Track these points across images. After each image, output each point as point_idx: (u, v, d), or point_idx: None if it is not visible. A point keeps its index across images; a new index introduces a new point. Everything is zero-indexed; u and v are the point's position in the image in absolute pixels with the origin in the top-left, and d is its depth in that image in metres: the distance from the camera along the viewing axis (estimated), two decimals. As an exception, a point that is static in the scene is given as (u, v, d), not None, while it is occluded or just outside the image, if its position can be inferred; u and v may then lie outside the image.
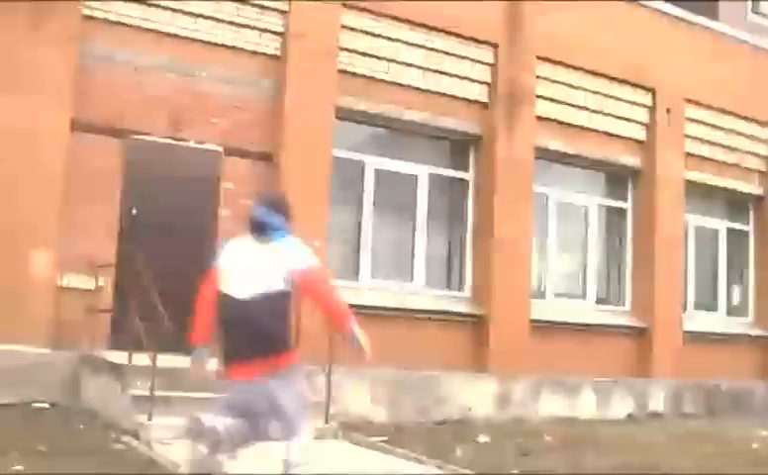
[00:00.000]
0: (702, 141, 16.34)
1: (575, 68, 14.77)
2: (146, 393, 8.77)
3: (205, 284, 6.31)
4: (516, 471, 8.88)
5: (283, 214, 6.17)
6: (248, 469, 6.61)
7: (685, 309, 16.06)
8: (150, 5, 11.61)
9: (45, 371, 10.36)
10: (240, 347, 5.92)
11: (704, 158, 16.44)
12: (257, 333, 5.87)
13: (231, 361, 6.04)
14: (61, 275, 10.78)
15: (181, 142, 11.80)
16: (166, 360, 9.15)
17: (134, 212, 11.41)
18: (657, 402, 14.97)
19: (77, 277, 10.87)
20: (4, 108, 10.51)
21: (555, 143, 14.66)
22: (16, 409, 9.88)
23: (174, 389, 9.21)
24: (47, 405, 10.20)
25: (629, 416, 14.42)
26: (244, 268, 6.02)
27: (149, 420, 8.65)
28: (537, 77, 14.39)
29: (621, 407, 14.48)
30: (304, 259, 6.05)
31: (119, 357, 9.66)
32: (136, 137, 11.51)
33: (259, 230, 6.10)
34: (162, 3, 11.66)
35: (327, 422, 9.73)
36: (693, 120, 16.11)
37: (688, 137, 16.07)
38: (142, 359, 9.11)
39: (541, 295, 14.68)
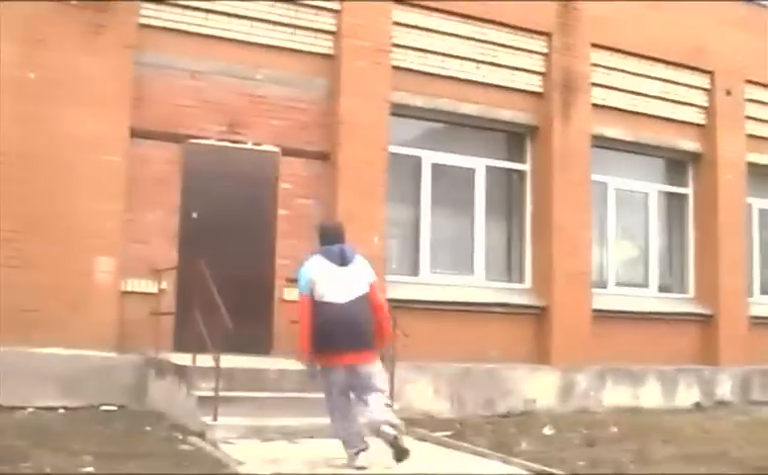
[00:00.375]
0: (763, 121, 16.02)
1: (630, 54, 14.59)
2: (211, 394, 8.83)
3: (307, 307, 7.74)
4: (582, 462, 8.80)
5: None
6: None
7: (751, 294, 15.77)
8: (206, 11, 11.75)
9: (111, 374, 10.57)
10: (350, 339, 7.58)
11: (765, 140, 16.12)
12: (363, 328, 7.71)
13: (338, 351, 7.59)
14: (125, 280, 10.97)
15: (238, 145, 11.91)
16: (229, 360, 9.26)
17: (194, 215, 11.54)
18: (724, 390, 14.76)
19: (140, 281, 11.08)
20: (66, 118, 10.73)
21: (612, 131, 14.51)
22: (85, 411, 10.11)
23: (238, 389, 9.33)
24: (114, 407, 10.41)
25: (696, 404, 14.23)
26: (341, 281, 7.73)
27: (215, 420, 8.72)
28: (592, 65, 14.26)
29: (687, 395, 14.31)
30: (372, 274, 8.00)
31: (183, 359, 9.77)
32: (194, 141, 11.65)
33: (344, 257, 7.85)
34: (217, 8, 11.80)
35: (391, 418, 9.72)
36: (753, 100, 15.81)
37: (749, 118, 15.77)
38: (205, 361, 9.20)
39: (603, 284, 14.54)
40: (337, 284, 7.71)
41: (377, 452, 7.82)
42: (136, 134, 11.17)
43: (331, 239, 8.01)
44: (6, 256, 10.31)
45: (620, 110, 14.62)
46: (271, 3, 12.09)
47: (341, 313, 7.63)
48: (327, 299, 7.67)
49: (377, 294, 7.94)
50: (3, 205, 10.33)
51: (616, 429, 11.17)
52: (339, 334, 7.57)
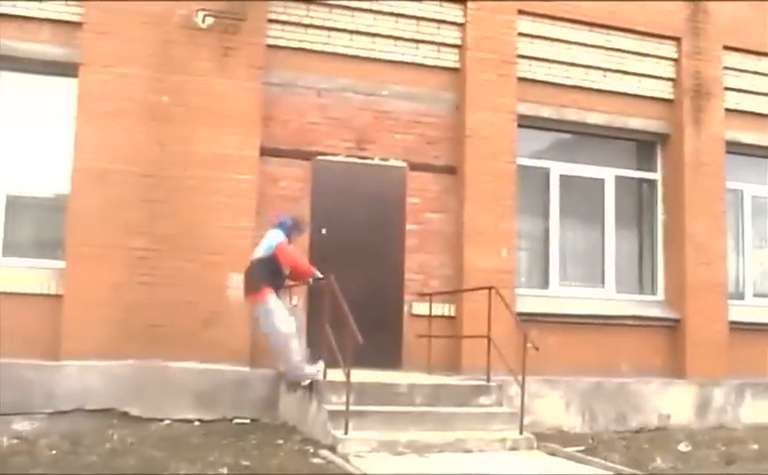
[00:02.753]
0: None
1: (765, 55, 14.07)
2: (342, 408, 8.90)
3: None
4: (723, 481, 8.54)
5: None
6: None
7: None
8: (328, 29, 11.93)
9: (244, 388, 10.77)
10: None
11: None
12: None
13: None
14: (256, 296, 11.17)
15: (366, 161, 12.02)
16: (360, 375, 9.35)
17: (323, 231, 11.69)
18: None
19: (271, 297, 11.25)
20: (199, 139, 11.05)
21: (748, 136, 14.04)
22: (219, 424, 10.35)
23: (368, 403, 9.37)
24: (247, 420, 10.60)
25: None
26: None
27: (345, 434, 8.77)
28: (725, 68, 13.82)
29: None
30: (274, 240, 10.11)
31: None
32: (322, 158, 11.81)
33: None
34: (341, 26, 11.96)
35: (521, 432, 9.59)
36: None
37: None
38: (336, 375, 9.28)
39: (740, 296, 14.07)
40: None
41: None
42: (266, 152, 11.42)
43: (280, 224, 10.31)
44: (141, 274, 10.68)
45: (755, 114, 14.12)
46: (394, 19, 12.19)
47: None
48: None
49: (285, 249, 10.07)
50: (138, 224, 10.71)
51: (756, 447, 10.79)
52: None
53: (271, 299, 9.93)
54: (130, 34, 10.92)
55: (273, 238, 10.09)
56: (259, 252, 10.13)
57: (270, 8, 11.61)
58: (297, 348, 9.94)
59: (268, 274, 10.00)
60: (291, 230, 10.32)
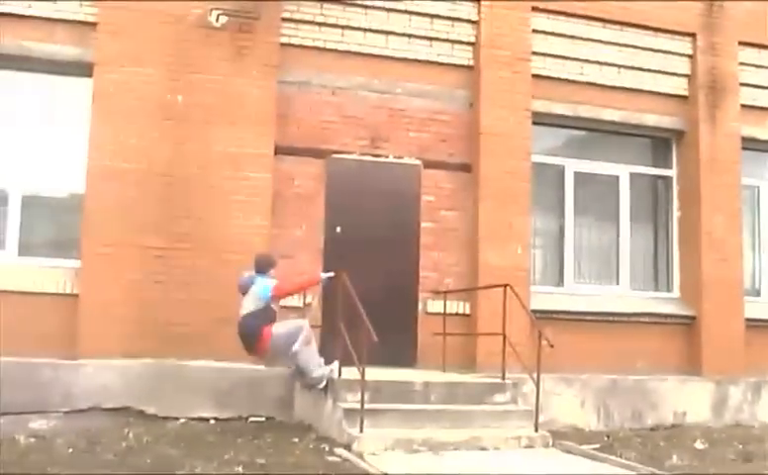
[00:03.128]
0: None
1: (783, 51, 14.02)
2: (357, 406, 8.92)
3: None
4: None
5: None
6: None
7: None
8: (342, 27, 11.93)
9: (260, 387, 10.79)
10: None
11: None
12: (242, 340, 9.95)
13: None
14: (272, 294, 11.19)
15: (380, 158, 12.02)
16: (374, 373, 9.32)
17: (338, 229, 11.69)
18: None
19: (287, 296, 11.27)
20: (214, 138, 11.08)
21: (764, 132, 13.96)
22: (235, 422, 10.40)
23: (383, 401, 9.40)
24: (262, 418, 10.64)
25: None
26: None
27: (361, 432, 8.79)
28: (741, 64, 13.76)
29: None
30: (269, 283, 9.97)
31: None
32: (336, 156, 11.81)
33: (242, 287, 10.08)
34: (354, 24, 11.96)
35: (536, 430, 9.60)
36: None
37: None
38: (351, 373, 9.30)
39: (756, 292, 14.02)
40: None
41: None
42: (280, 151, 11.42)
43: (256, 268, 10.14)
44: (157, 273, 10.71)
45: (772, 110, 14.05)
46: (408, 16, 12.18)
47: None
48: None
49: (282, 287, 9.99)
50: (154, 223, 10.74)
51: (774, 445, 10.75)
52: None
53: (274, 331, 9.78)
54: (144, 33, 10.95)
55: (264, 287, 9.87)
56: (248, 308, 9.85)
57: (284, 7, 11.61)
58: (313, 350, 9.94)
59: (263, 320, 9.77)
60: (267, 267, 10.11)
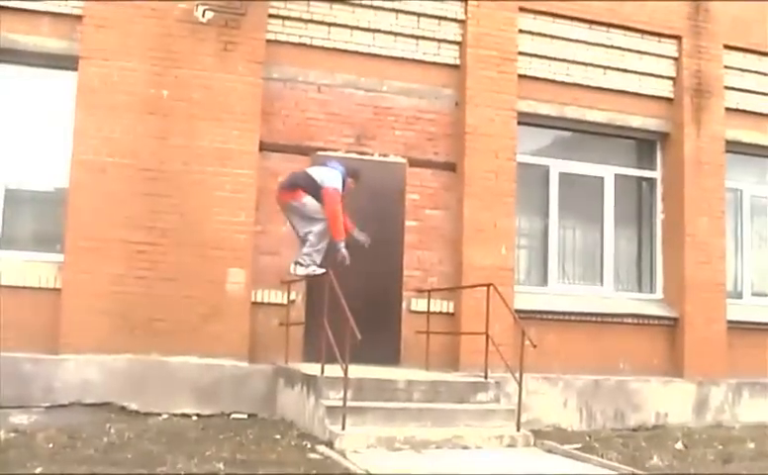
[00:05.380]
0: None
1: (767, 55, 14.05)
2: (339, 403, 8.90)
3: None
4: (719, 480, 8.54)
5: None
6: None
7: None
8: (328, 24, 11.91)
9: (242, 383, 10.79)
10: None
11: None
12: None
13: None
14: (256, 291, 11.18)
15: (366, 157, 12.00)
16: (357, 371, 9.31)
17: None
18: None
19: (270, 292, 11.27)
20: (198, 133, 11.04)
21: (748, 135, 14.03)
22: (217, 419, 10.37)
23: (366, 399, 9.36)
24: (245, 415, 10.62)
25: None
26: None
27: (343, 429, 8.76)
28: (726, 67, 13.80)
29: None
30: None
31: (312, 369, 9.87)
32: (321, 153, 11.78)
33: None
34: (341, 22, 11.94)
35: (518, 429, 9.60)
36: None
37: None
38: (334, 371, 9.27)
39: (738, 295, 14.07)
40: None
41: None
42: (265, 147, 11.42)
43: None
44: (141, 268, 10.66)
45: (755, 113, 14.10)
46: (395, 14, 12.17)
47: None
48: None
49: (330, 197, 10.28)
50: (137, 218, 10.70)
51: (753, 446, 10.81)
52: None
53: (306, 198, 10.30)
54: (130, 27, 10.91)
55: (330, 179, 10.34)
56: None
57: (271, 3, 11.58)
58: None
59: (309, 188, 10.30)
60: (345, 180, 10.51)
